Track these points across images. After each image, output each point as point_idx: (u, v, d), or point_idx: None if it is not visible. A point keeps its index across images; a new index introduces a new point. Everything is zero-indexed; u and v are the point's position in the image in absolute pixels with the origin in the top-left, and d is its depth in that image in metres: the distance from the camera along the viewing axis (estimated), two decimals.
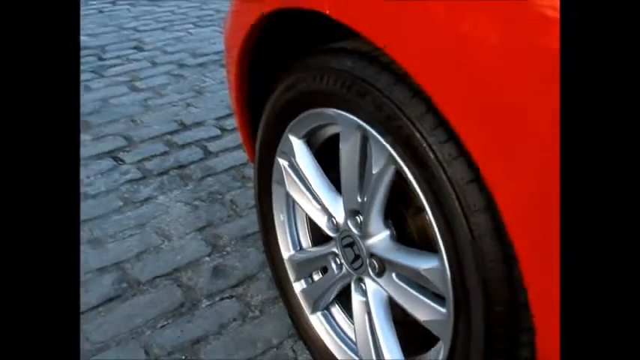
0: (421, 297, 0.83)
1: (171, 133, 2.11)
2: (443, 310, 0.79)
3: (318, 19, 0.81)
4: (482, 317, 0.71)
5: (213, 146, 2.01)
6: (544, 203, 0.58)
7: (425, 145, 0.69)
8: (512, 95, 0.58)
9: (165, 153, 1.97)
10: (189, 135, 2.09)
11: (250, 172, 1.72)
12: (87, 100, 2.38)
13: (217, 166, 1.88)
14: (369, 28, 0.72)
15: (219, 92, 2.42)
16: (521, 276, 0.64)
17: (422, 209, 0.75)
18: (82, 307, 1.31)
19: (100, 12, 3.75)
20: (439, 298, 0.80)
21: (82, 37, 3.20)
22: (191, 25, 3.44)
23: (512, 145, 0.59)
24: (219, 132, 2.11)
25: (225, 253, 1.48)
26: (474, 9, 0.60)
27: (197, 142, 2.04)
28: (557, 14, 0.55)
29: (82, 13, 3.71)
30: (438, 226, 0.73)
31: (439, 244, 0.73)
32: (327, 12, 0.77)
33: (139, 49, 3.03)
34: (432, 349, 0.89)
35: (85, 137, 2.08)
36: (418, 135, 0.70)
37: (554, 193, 0.56)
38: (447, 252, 0.73)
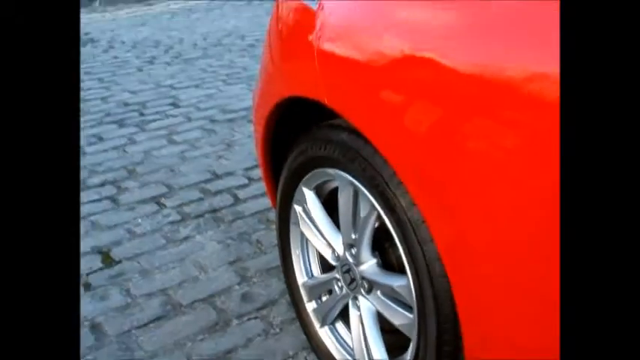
0: (396, 307, 1.13)
1: (205, 181, 2.44)
2: (411, 316, 1.08)
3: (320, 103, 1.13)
4: (434, 322, 1.01)
5: (241, 194, 2.33)
6: (464, 243, 0.88)
7: (393, 196, 1.00)
8: (445, 170, 0.88)
9: (200, 199, 2.30)
10: (220, 183, 2.42)
11: (273, 216, 2.03)
12: (133, 152, 2.73)
13: (245, 211, 2.20)
14: (350, 113, 1.04)
15: (247, 145, 2.76)
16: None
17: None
18: (136, 323, 1.62)
19: (140, 70, 4.16)
20: (408, 307, 1.10)
21: (124, 95, 3.60)
22: (221, 83, 3.82)
23: (442, 201, 0.89)
24: (247, 181, 2.44)
25: (252, 282, 1.79)
26: (422, 101, 0.91)
27: (228, 189, 2.37)
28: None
29: (123, 72, 4.13)
30: (404, 254, 1.03)
31: (406, 267, 1.04)
32: (325, 101, 1.10)
33: (175, 105, 3.41)
34: (408, 350, 1.19)
35: (132, 184, 2.42)
36: (389, 190, 1.01)
37: (472, 239, 0.85)
38: (411, 272, 1.03)
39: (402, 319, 1.11)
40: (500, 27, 0.81)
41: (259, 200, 2.26)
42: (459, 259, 0.89)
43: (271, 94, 1.34)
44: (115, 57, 4.52)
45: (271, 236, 2.00)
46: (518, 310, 0.83)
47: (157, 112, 3.28)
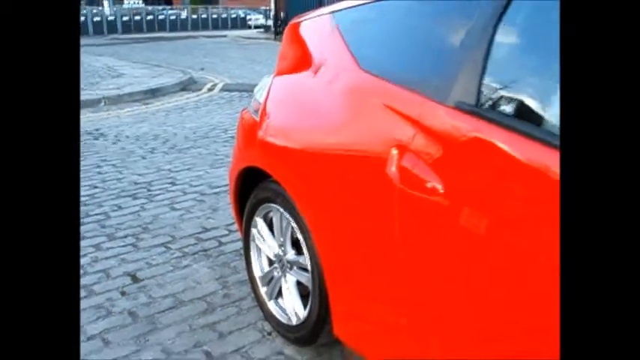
0: (303, 273, 2.16)
1: (198, 233, 3.47)
2: (308, 275, 2.11)
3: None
4: (317, 277, 2.03)
5: (224, 239, 3.36)
6: (325, 235, 1.92)
7: (297, 216, 2.05)
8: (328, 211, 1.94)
9: (195, 244, 3.32)
10: (209, 234, 3.46)
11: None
12: (145, 215, 3.77)
13: (226, 250, 3.22)
14: (275, 174, 2.12)
15: (228, 210, 3.81)
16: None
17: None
18: (157, 312, 2.61)
19: (144, 158, 5.25)
20: (308, 271, 2.13)
21: (134, 176, 4.66)
22: (208, 167, 4.91)
23: (314, 215, 1.95)
24: (227, 232, 3.47)
25: (230, 288, 2.80)
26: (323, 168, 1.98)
27: (214, 237, 3.40)
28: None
29: (130, 159, 5.21)
30: (303, 243, 2.07)
31: (305, 254, 2.07)
32: (266, 169, 2.17)
33: (173, 183, 4.47)
34: (309, 297, 2.20)
35: (146, 236, 3.44)
36: (295, 213, 2.06)
37: (328, 232, 1.90)
38: (307, 253, 2.06)
39: (305, 279, 2.15)
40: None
41: (236, 243, 3.29)
42: (324, 243, 1.93)
43: (237, 164, 2.42)
44: (123, 148, 5.62)
45: (243, 263, 3.02)
46: (362, 286, 1.86)
47: (160, 189, 4.34)
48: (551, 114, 1.26)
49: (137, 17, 31.98)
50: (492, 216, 1.31)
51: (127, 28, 30.69)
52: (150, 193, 4.26)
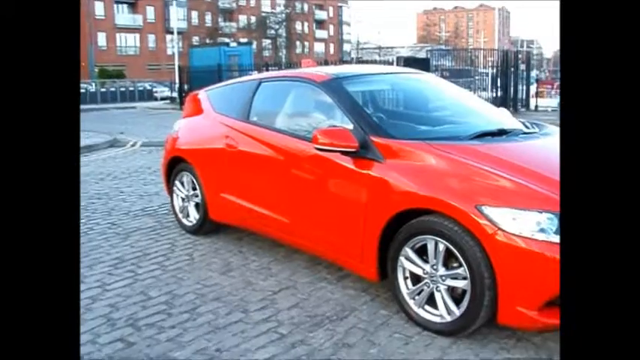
0: (196, 198, 5.18)
1: (144, 209, 6.36)
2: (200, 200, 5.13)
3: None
4: (202, 199, 5.06)
5: (158, 211, 6.28)
6: (205, 177, 4.99)
7: (195, 173, 5.08)
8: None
9: (142, 213, 6.22)
10: (149, 209, 6.35)
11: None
12: (110, 205, 6.61)
13: (159, 212, 6.14)
14: (187, 158, 5.17)
15: (157, 201, 6.71)
16: None
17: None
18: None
19: (97, 183, 8.05)
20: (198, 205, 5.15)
21: (93, 192, 7.45)
22: (142, 185, 7.79)
23: (201, 170, 5.00)
24: (157, 208, 6.39)
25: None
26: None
27: (152, 210, 6.31)
28: None
29: (88, 184, 8.01)
30: (197, 185, 5.09)
31: (197, 189, 5.10)
32: (184, 157, 5.21)
33: (122, 192, 7.33)
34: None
35: (113, 213, 6.29)
36: (195, 172, 5.09)
37: (207, 177, 4.98)
38: (200, 191, 5.08)
39: (198, 200, 5.17)
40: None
41: (163, 209, 6.21)
42: (203, 179, 4.98)
43: (166, 156, 5.49)
44: (81, 180, 8.41)
45: (168, 214, 5.95)
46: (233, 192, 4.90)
47: (114, 195, 7.17)
48: (277, 120, 4.42)
49: None
50: (260, 157, 4.44)
51: None
52: (108, 197, 7.09)
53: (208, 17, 68.59)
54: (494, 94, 19.62)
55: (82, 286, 4.02)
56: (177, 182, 5.39)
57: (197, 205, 5.19)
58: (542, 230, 2.76)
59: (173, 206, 5.53)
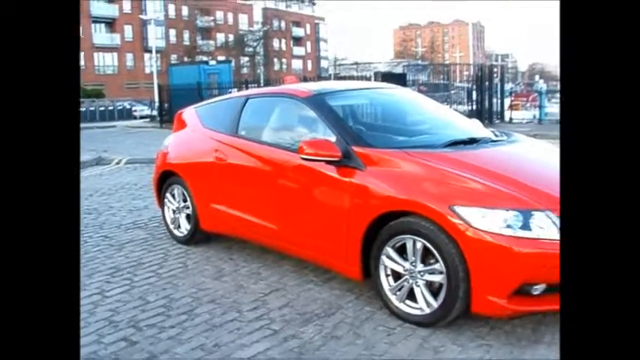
0: (186, 211, 5.44)
1: (134, 222, 6.59)
2: (190, 211, 5.39)
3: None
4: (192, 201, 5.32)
5: (148, 224, 6.52)
6: (196, 189, 5.26)
7: (187, 187, 5.34)
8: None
9: (134, 226, 6.45)
10: (139, 222, 6.59)
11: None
12: (100, 220, 6.83)
13: (149, 225, 6.38)
14: (178, 171, 5.43)
15: (147, 214, 6.94)
16: None
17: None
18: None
19: (86, 199, 8.26)
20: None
21: (84, 207, 7.66)
22: (130, 200, 8.01)
23: (193, 183, 5.27)
24: (148, 221, 6.62)
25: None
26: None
27: (142, 222, 6.54)
28: None
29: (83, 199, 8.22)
30: (188, 197, 5.35)
31: (188, 200, 5.36)
32: (175, 171, 5.47)
33: (111, 207, 7.54)
34: None
35: (105, 227, 6.51)
36: (186, 187, 5.35)
37: (197, 188, 5.25)
38: (190, 202, 5.35)
39: (188, 210, 5.43)
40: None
41: (153, 223, 6.45)
42: (193, 190, 5.24)
43: (157, 170, 5.74)
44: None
45: (159, 225, 6.18)
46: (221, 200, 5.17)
47: (103, 209, 7.38)
48: (264, 134, 4.71)
49: None
50: (246, 169, 4.72)
51: None
52: (98, 212, 7.31)
53: (186, 35, 68.93)
54: (470, 108, 20.11)
55: (83, 293, 4.24)
56: (168, 195, 5.64)
57: (188, 216, 5.44)
58: (508, 226, 3.09)
59: (165, 218, 5.77)
